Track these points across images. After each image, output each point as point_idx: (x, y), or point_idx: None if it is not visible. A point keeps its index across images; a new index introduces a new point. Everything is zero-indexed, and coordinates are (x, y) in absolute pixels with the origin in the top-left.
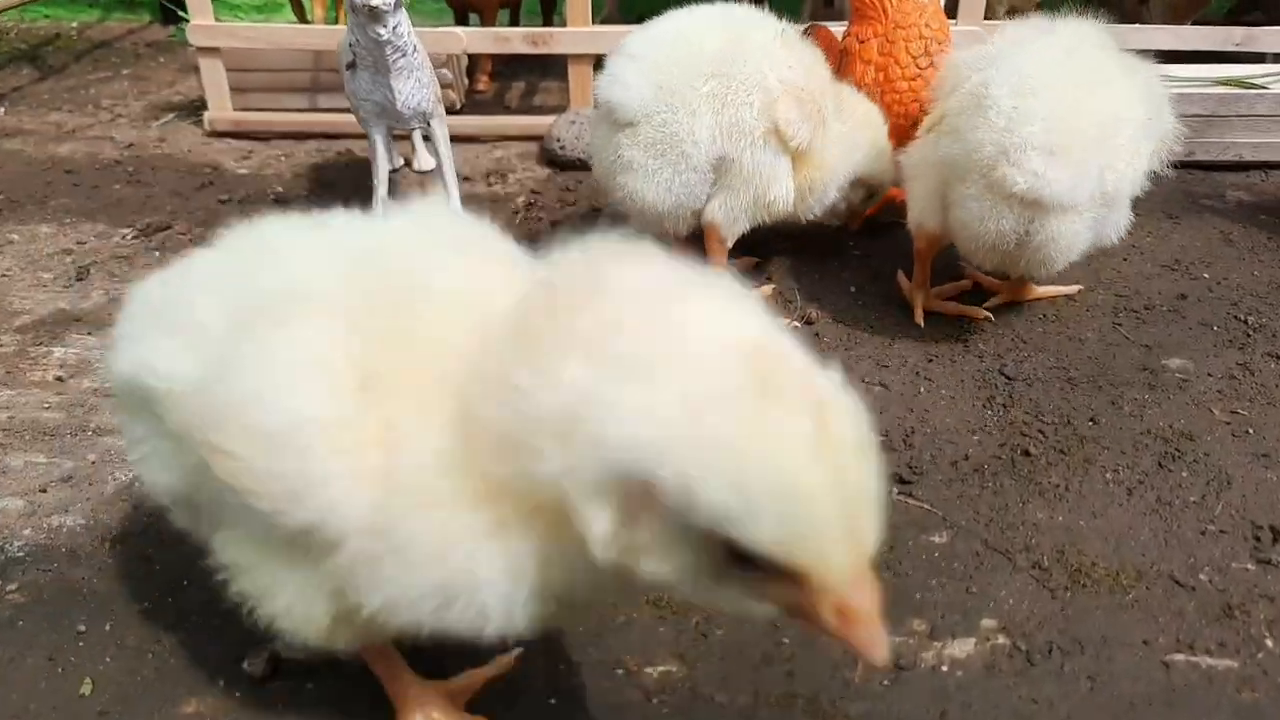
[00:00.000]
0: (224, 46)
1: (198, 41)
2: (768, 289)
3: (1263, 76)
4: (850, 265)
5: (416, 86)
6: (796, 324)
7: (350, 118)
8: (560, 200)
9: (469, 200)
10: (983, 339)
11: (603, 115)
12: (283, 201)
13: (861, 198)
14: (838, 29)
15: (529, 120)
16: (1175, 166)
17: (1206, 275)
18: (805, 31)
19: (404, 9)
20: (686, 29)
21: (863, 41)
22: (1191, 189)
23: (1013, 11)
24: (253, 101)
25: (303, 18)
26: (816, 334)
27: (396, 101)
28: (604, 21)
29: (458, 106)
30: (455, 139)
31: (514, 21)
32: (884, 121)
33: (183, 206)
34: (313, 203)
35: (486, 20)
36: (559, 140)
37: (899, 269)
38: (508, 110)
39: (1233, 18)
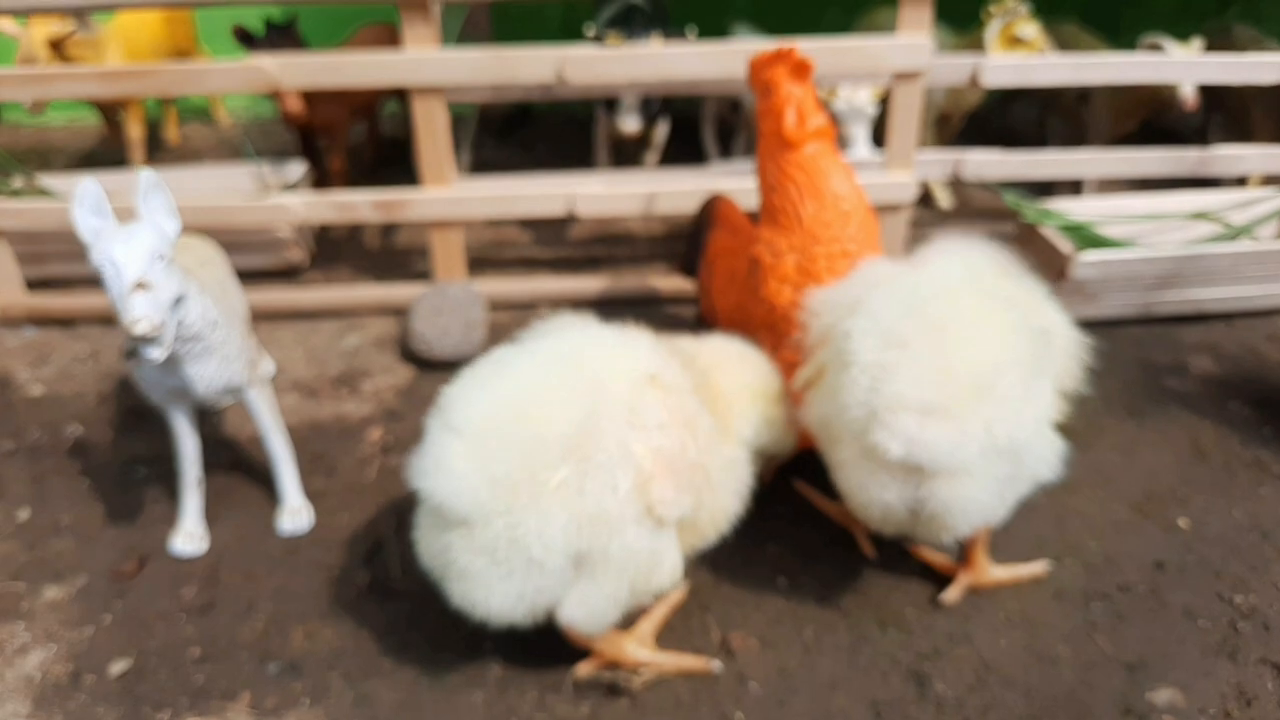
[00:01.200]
0: (8, 228)
1: None
2: (676, 596)
3: (1224, 209)
4: (774, 536)
5: (221, 365)
6: (714, 661)
7: None
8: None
9: (308, 430)
10: (942, 670)
11: (427, 508)
12: (82, 450)
13: (766, 464)
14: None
15: (386, 292)
16: (1132, 324)
17: (1182, 524)
18: (703, 207)
19: (192, 294)
20: (526, 394)
21: (776, 255)
22: (1150, 357)
23: (943, 120)
24: (52, 269)
25: (114, 134)
26: (740, 675)
27: (195, 388)
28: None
29: (303, 268)
30: (299, 316)
31: (372, 136)
32: (771, 383)
33: None
34: (122, 449)
35: (336, 140)
36: (423, 338)
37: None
38: (361, 266)
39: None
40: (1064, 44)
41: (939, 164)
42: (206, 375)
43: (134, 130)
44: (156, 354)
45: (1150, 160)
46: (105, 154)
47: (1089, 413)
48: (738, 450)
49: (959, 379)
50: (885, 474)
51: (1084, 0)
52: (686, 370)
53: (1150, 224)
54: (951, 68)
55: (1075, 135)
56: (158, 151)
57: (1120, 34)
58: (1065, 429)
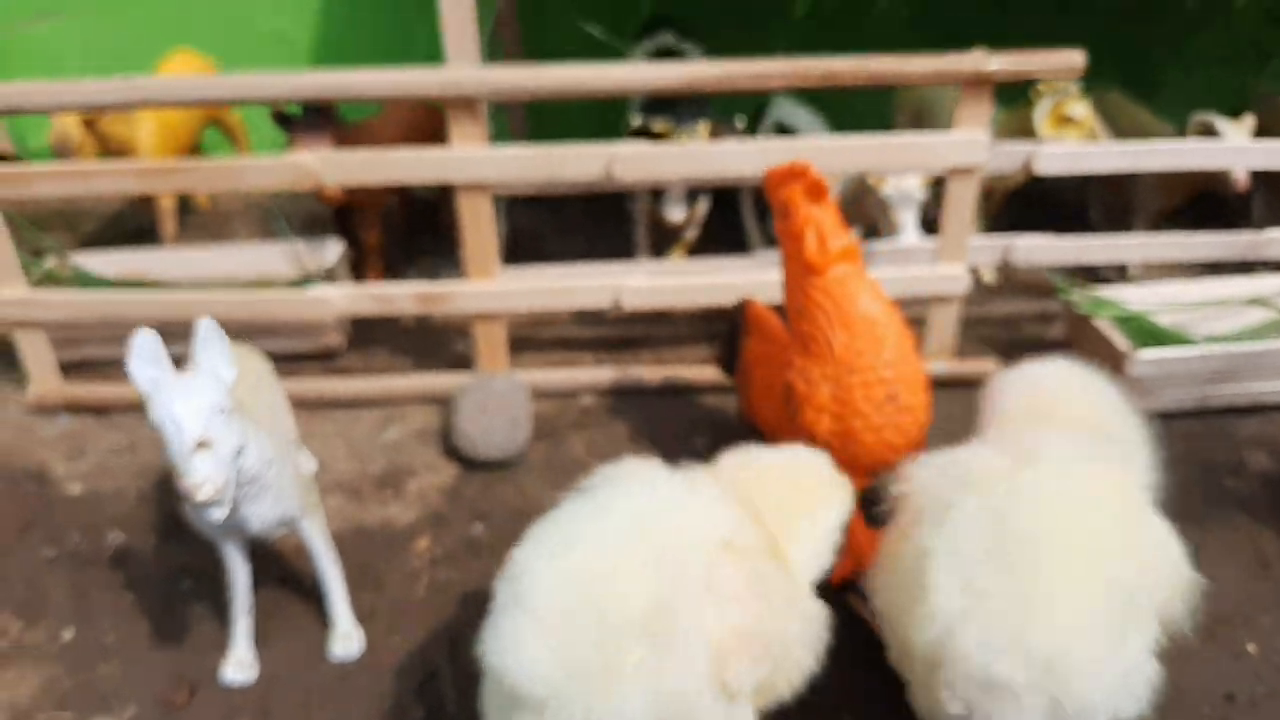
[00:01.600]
0: (44, 319)
1: (6, 315)
2: None
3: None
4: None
5: (275, 502)
6: None
7: None
8: (471, 542)
9: (354, 537)
10: None
11: (497, 685)
12: (124, 560)
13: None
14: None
15: (428, 382)
16: (1186, 416)
17: (1251, 648)
18: (736, 311)
19: (250, 438)
20: (597, 568)
21: (811, 384)
22: (1207, 454)
23: (986, 195)
24: (89, 352)
25: (144, 199)
26: None
27: (250, 527)
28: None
29: (341, 352)
30: (339, 405)
31: (404, 201)
32: (836, 516)
33: None
34: (166, 558)
35: (371, 217)
36: (468, 437)
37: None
38: (399, 348)
39: None
40: (1109, 115)
41: (989, 249)
42: (261, 513)
43: (165, 200)
44: (219, 514)
45: (1201, 245)
46: (133, 217)
47: None
48: (814, 604)
49: (1033, 653)
50: (948, 701)
51: (1122, 63)
52: (759, 526)
53: (1203, 311)
54: (1005, 155)
55: (1120, 205)
56: (187, 214)
57: (1162, 90)
58: None
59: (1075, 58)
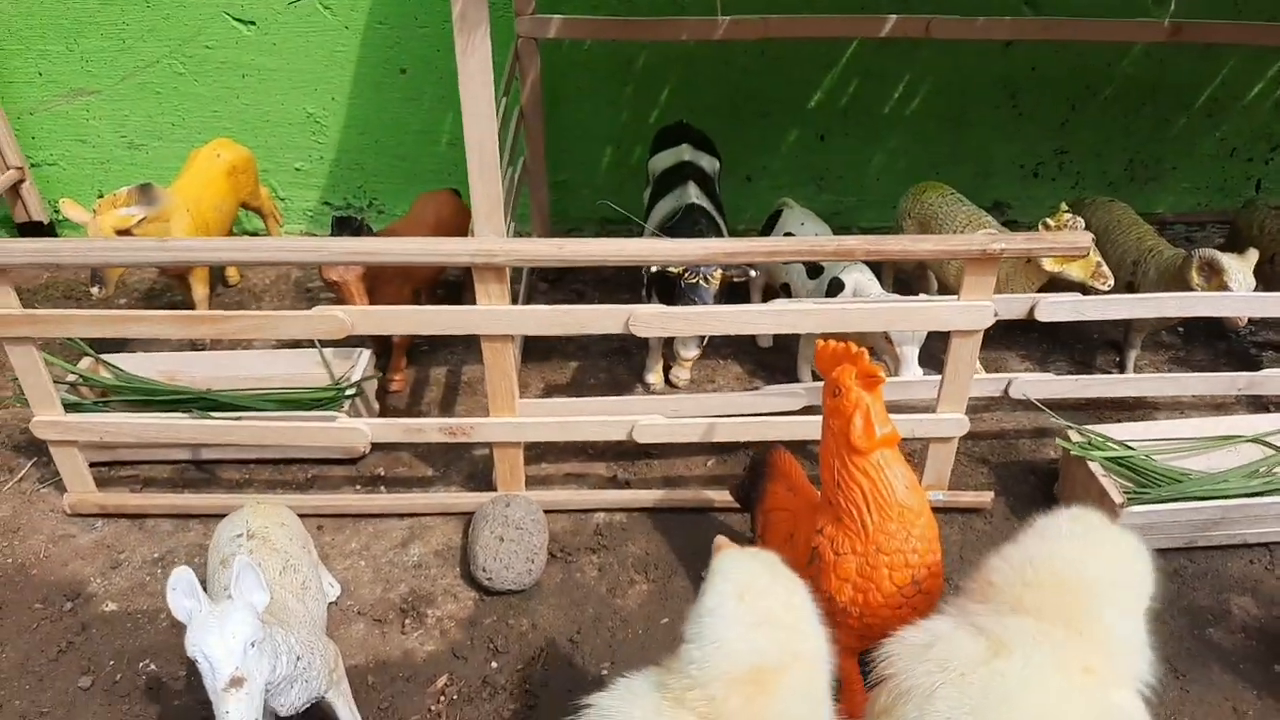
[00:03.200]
0: (80, 440)
1: (44, 435)
2: None
3: (1272, 433)
4: None
5: (304, 688)
6: None
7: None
8: (487, 680)
9: (376, 670)
10: None
11: None
12: (157, 693)
13: None
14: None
15: (449, 499)
16: (1175, 552)
17: None
18: (763, 455)
19: (281, 650)
20: None
21: (839, 554)
22: (1192, 598)
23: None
24: (122, 454)
25: (180, 282)
26: None
27: (280, 711)
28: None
29: (365, 454)
30: (360, 517)
31: (431, 300)
32: None
33: (32, 706)
34: (198, 692)
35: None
36: (485, 570)
37: None
38: (420, 453)
39: None
40: (1107, 224)
41: (990, 383)
42: (290, 700)
43: (199, 289)
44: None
45: (1199, 382)
46: (165, 290)
47: None
48: None
49: None
50: None
51: (1134, 151)
52: None
53: (1201, 449)
54: (1009, 303)
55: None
56: (217, 289)
57: (1169, 177)
58: None
59: (1083, 239)
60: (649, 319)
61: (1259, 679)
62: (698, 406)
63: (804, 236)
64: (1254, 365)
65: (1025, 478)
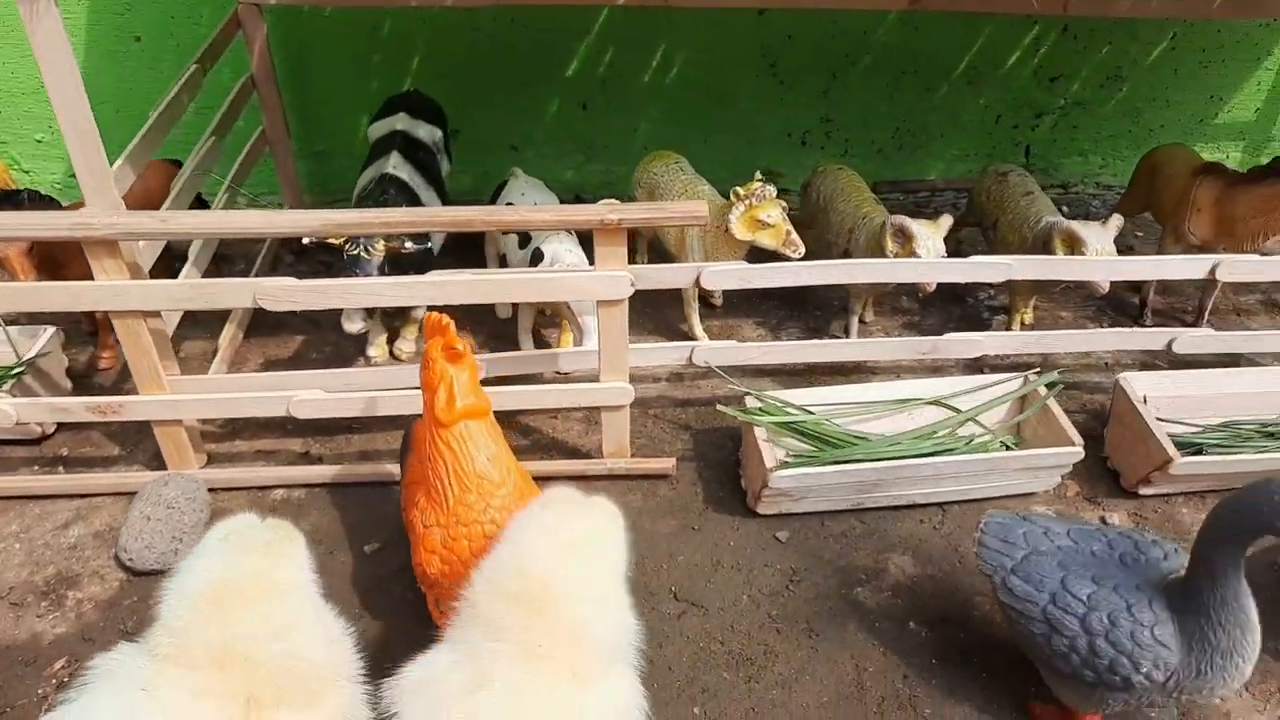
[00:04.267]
0: None
1: None
2: None
3: (952, 396)
4: None
5: None
6: None
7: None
8: None
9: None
10: None
11: None
12: None
13: None
14: None
15: (121, 479)
16: (845, 514)
17: None
18: (407, 430)
19: None
20: None
21: (426, 527)
22: (850, 559)
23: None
24: None
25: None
26: None
27: None
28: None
29: (49, 434)
30: (29, 499)
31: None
32: None
33: None
34: None
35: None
36: (126, 551)
37: None
38: (110, 432)
39: None
40: (832, 192)
41: (673, 351)
42: None
43: None
44: None
45: (886, 346)
46: None
47: (768, 637)
48: None
49: None
50: None
51: (887, 144)
52: None
53: (881, 411)
54: (676, 272)
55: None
56: None
57: (928, 165)
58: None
59: (699, 209)
60: (275, 292)
61: (891, 635)
62: (368, 380)
63: (522, 206)
64: (984, 327)
65: (723, 443)
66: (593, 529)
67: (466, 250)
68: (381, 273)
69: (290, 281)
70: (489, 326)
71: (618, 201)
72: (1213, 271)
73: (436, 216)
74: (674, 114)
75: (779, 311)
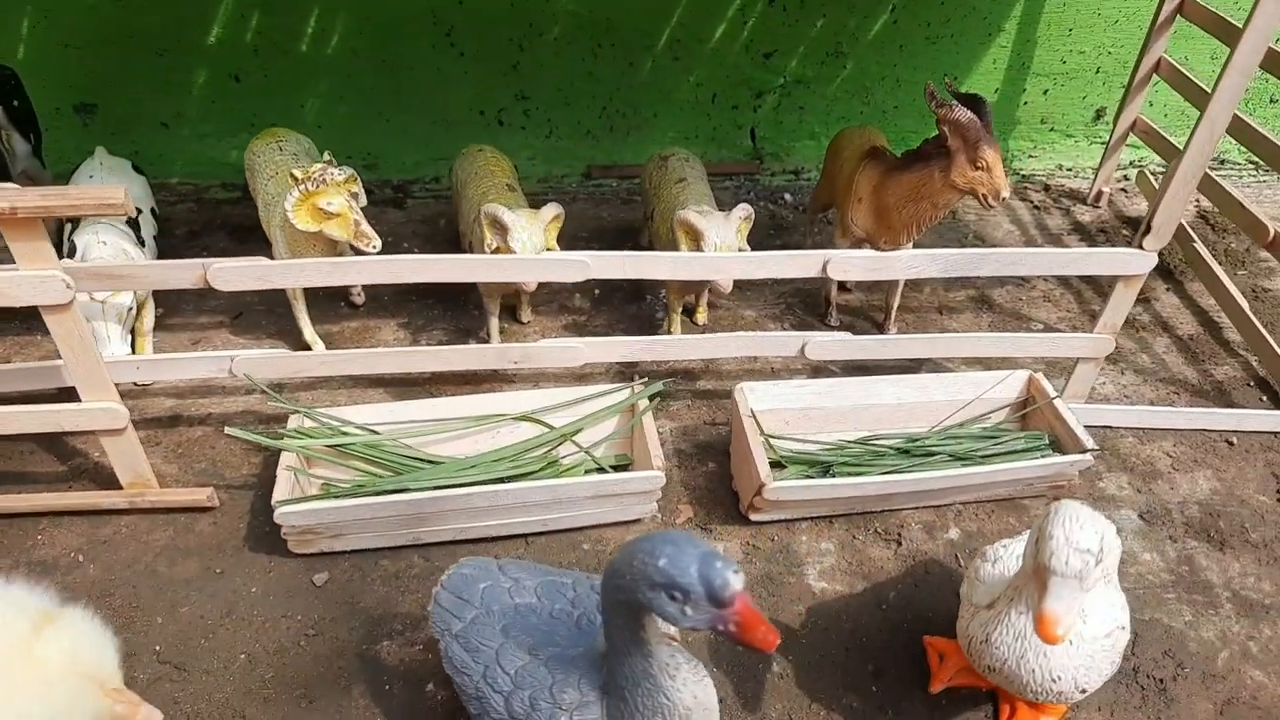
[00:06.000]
0: None
1: None
2: None
3: (547, 409)
4: None
5: None
6: None
7: None
8: None
9: None
10: None
11: None
12: None
13: None
14: None
15: None
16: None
17: None
18: None
19: None
20: None
21: None
22: (386, 603)
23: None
24: None
25: None
26: None
27: None
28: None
29: None
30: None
31: None
32: None
33: None
34: None
35: None
36: None
37: None
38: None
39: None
40: (467, 176)
41: (210, 362)
42: None
43: None
44: None
45: (455, 355)
46: None
47: (249, 707)
48: None
49: None
50: None
51: (595, 124)
52: None
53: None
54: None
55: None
56: None
57: (642, 148)
58: None
59: (112, 195)
60: None
61: (401, 701)
62: None
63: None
64: (656, 329)
65: None
66: None
67: None
68: None
69: None
70: None
71: None
72: (824, 269)
73: None
74: (346, 89)
75: (430, 311)
